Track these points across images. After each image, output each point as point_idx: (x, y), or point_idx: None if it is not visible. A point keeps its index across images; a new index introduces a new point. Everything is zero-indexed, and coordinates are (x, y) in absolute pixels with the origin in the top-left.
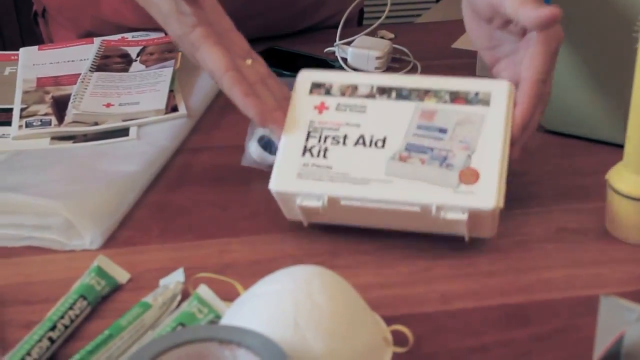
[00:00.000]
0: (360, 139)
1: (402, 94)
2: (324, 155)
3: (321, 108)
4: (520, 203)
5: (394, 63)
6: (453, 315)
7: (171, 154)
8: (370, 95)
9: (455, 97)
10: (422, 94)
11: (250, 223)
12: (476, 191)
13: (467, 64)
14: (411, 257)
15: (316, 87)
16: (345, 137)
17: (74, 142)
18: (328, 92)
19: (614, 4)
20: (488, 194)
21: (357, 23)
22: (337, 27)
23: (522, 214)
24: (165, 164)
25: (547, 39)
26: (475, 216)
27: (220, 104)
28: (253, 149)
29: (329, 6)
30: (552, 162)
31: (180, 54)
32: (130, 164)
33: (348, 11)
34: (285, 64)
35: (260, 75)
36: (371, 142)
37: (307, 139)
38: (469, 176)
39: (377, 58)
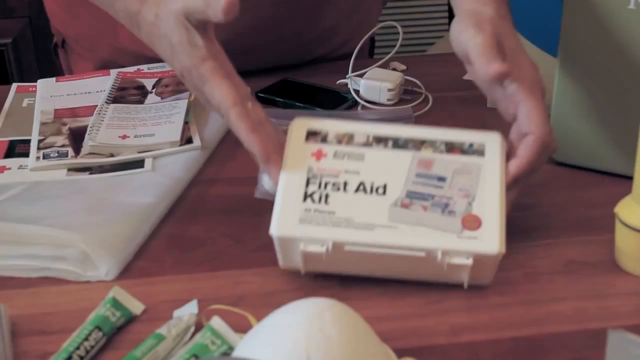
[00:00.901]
0: (361, 185)
1: (399, 143)
2: (326, 201)
3: (319, 155)
4: (529, 235)
5: (406, 95)
6: (463, 348)
7: (186, 186)
8: (367, 144)
9: (451, 148)
10: (419, 143)
11: (263, 255)
12: (479, 237)
13: (478, 95)
14: (421, 289)
15: (312, 134)
16: (345, 183)
17: (90, 174)
18: (324, 139)
19: (625, 37)
20: (491, 239)
21: (369, 53)
22: (348, 57)
23: (532, 247)
24: (180, 195)
25: (531, 89)
26: (479, 261)
27: (233, 136)
28: (266, 181)
29: (340, 35)
30: (562, 194)
31: None
32: (145, 196)
33: (361, 43)
34: (299, 95)
35: (259, 118)
36: (372, 189)
37: (307, 185)
38: (472, 222)
39: (389, 90)
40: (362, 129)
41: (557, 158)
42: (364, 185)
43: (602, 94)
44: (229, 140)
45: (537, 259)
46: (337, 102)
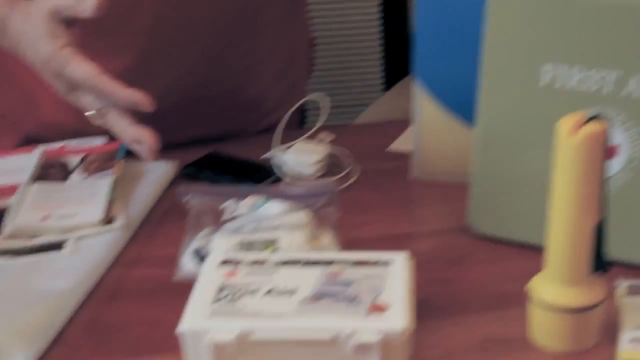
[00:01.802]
0: (271, 290)
1: (309, 263)
2: (235, 301)
3: (231, 274)
4: (446, 312)
5: (332, 167)
6: None
7: (107, 268)
8: (279, 265)
9: (359, 263)
10: (328, 262)
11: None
12: (386, 317)
13: (403, 166)
14: None
15: (226, 262)
16: (256, 290)
17: (8, 258)
18: (237, 264)
19: (536, 113)
20: (398, 317)
21: (300, 123)
22: (275, 128)
23: (449, 324)
24: (100, 278)
25: None
26: (387, 342)
27: (158, 214)
28: (188, 262)
29: (268, 103)
30: (480, 269)
31: (121, 161)
32: (64, 280)
33: (286, 116)
34: (225, 170)
35: None
36: (281, 292)
37: (218, 292)
38: (378, 308)
39: (315, 163)
40: (274, 257)
41: (477, 230)
42: (273, 290)
43: (519, 166)
44: (153, 219)
45: (453, 337)
46: (263, 176)
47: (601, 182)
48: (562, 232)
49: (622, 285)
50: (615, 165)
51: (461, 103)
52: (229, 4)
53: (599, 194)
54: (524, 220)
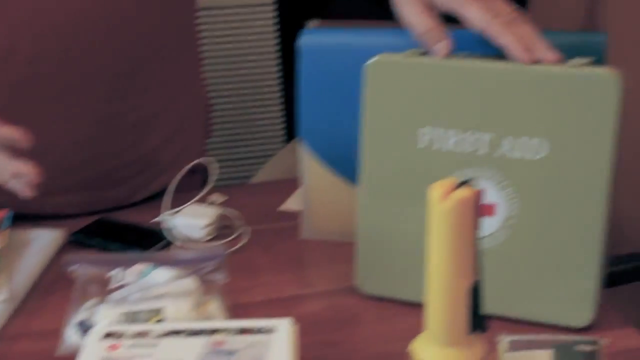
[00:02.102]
0: None
1: (192, 333)
2: None
3: (114, 347)
4: None
5: (222, 229)
6: None
7: None
8: (162, 336)
9: (243, 331)
10: (211, 331)
11: None
12: None
13: (293, 226)
14: None
15: (109, 335)
16: None
17: None
18: (120, 337)
19: (416, 173)
20: None
21: (201, 184)
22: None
23: None
24: None
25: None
26: None
27: (44, 285)
28: (72, 335)
29: (160, 163)
30: (369, 328)
31: (6, 231)
32: None
33: (176, 179)
34: (114, 236)
35: None
36: None
37: None
38: None
39: (205, 227)
40: (159, 328)
41: (363, 290)
42: None
43: (401, 225)
44: (38, 290)
45: None
46: (153, 241)
47: (474, 244)
48: (438, 293)
49: (504, 340)
50: (493, 223)
51: (346, 164)
52: (118, 59)
53: (473, 256)
54: (408, 279)
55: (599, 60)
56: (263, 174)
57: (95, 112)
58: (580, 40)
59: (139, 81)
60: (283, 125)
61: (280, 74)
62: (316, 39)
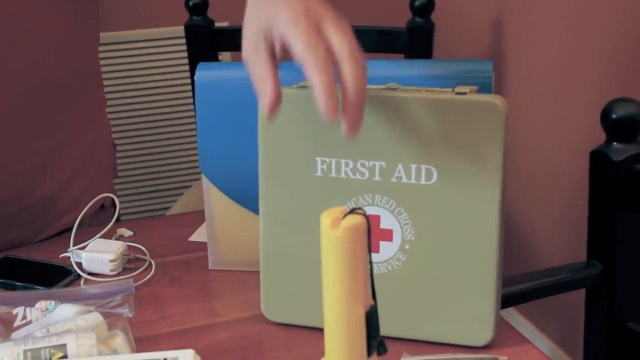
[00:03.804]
0: None
1: None
2: None
3: None
4: None
5: (130, 263)
6: None
7: None
8: None
9: None
10: None
11: None
12: None
13: (201, 257)
14: None
15: None
16: None
17: None
18: None
19: (314, 200)
20: None
21: (116, 220)
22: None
23: None
24: None
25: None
26: None
27: None
28: None
29: (62, 204)
30: (276, 355)
31: None
32: None
33: (80, 216)
34: (20, 274)
35: None
36: None
37: None
38: None
39: (111, 261)
40: None
41: (271, 318)
42: None
43: (301, 252)
44: None
45: None
46: (60, 277)
47: (367, 270)
48: (334, 319)
49: None
50: (390, 248)
51: (247, 194)
52: (3, 106)
53: (365, 281)
54: (312, 305)
55: (486, 88)
56: (178, 207)
57: None
58: (468, 69)
59: (29, 128)
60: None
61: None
62: (210, 73)
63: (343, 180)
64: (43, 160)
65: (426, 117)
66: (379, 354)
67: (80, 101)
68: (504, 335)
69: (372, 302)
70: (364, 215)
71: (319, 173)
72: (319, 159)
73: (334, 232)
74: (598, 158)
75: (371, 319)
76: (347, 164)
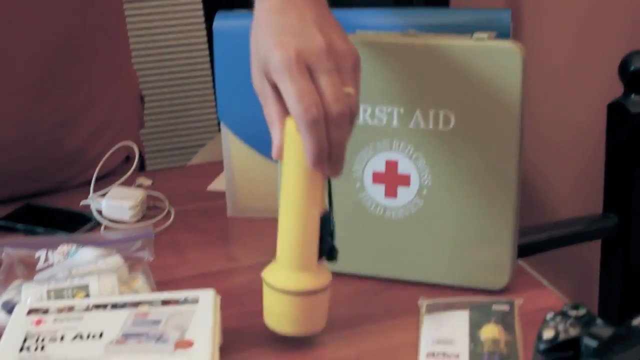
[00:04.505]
0: (78, 336)
1: (117, 306)
2: (42, 349)
3: (38, 322)
4: (258, 342)
5: (149, 210)
6: None
7: None
8: (87, 310)
9: (167, 302)
10: (136, 304)
11: None
12: (191, 353)
13: (220, 205)
14: None
15: (33, 311)
16: (62, 336)
17: None
18: (45, 312)
19: None
20: (203, 353)
21: (141, 167)
22: (103, 177)
23: (262, 353)
24: None
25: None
26: None
27: None
28: None
29: (88, 157)
30: None
31: None
32: None
33: (99, 165)
34: (41, 220)
35: None
36: (88, 336)
37: (23, 342)
38: (184, 344)
39: (131, 208)
40: (83, 302)
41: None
42: (80, 335)
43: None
44: None
45: None
46: (80, 223)
47: (324, 175)
48: (290, 221)
49: (423, 304)
50: (408, 193)
51: (266, 142)
52: (37, 59)
53: (322, 186)
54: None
55: (504, 35)
56: (196, 161)
57: (16, 115)
58: (486, 17)
59: (54, 85)
60: (215, 115)
61: (210, 63)
62: (229, 22)
63: (361, 126)
64: (67, 117)
65: (444, 63)
66: (330, 259)
67: (105, 56)
68: (520, 280)
69: (327, 208)
70: None
71: None
72: None
73: (297, 134)
74: (616, 110)
75: (325, 223)
76: (365, 110)
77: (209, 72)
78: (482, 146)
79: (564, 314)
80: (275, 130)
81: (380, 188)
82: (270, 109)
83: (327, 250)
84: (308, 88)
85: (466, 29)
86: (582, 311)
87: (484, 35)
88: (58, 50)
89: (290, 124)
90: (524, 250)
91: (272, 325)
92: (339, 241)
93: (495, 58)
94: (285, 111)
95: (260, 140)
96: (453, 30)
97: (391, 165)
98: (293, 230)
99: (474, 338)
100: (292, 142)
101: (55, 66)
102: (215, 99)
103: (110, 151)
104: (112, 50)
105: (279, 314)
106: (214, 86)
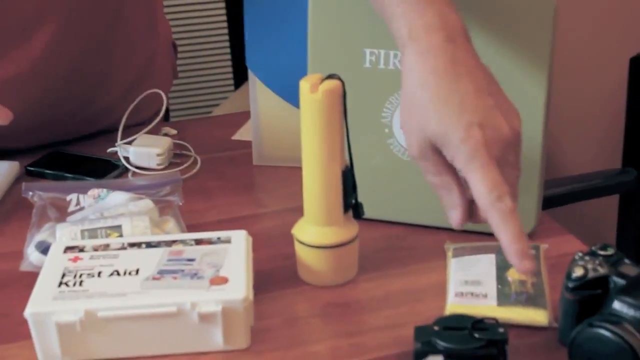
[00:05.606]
0: (115, 272)
1: (151, 245)
2: (80, 284)
3: (75, 259)
4: (287, 284)
5: (176, 159)
6: None
7: None
8: (122, 248)
9: (200, 242)
10: (170, 242)
11: None
12: (227, 288)
13: (245, 154)
14: None
15: (70, 248)
16: (100, 272)
17: None
18: (81, 250)
19: (362, 92)
20: (238, 288)
21: (165, 117)
22: (138, 126)
23: (290, 294)
24: None
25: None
26: (229, 311)
27: (2, 212)
28: (32, 254)
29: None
30: None
31: None
32: None
33: (127, 113)
34: (69, 167)
35: None
36: (125, 272)
37: (62, 277)
38: (219, 280)
39: (158, 155)
40: (117, 240)
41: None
42: (117, 272)
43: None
44: None
45: (296, 304)
46: (108, 170)
47: (343, 132)
48: (313, 179)
49: (450, 247)
50: None
51: (294, 90)
52: (69, 23)
53: (341, 142)
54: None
55: None
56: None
57: (62, 72)
58: None
59: (106, 35)
60: (232, 74)
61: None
62: None
63: (391, 72)
64: (109, 70)
65: (475, 6)
66: (356, 215)
67: (138, 10)
68: (543, 227)
69: (348, 163)
70: (340, 79)
71: (367, 65)
72: (367, 50)
73: (313, 95)
74: (638, 64)
75: (347, 177)
76: (395, 55)
77: (226, 30)
78: (511, 89)
79: (592, 254)
80: (457, 214)
81: None
82: (453, 195)
83: (352, 205)
84: (499, 180)
85: None
86: (610, 251)
87: None
88: (97, 12)
89: (303, 86)
90: (545, 203)
91: (306, 278)
92: (368, 187)
93: (528, 4)
94: (458, 178)
95: (287, 89)
96: None
97: None
98: (316, 187)
99: (501, 279)
100: (307, 101)
101: (100, 21)
102: (232, 57)
103: (139, 98)
104: (147, 4)
105: (310, 267)
106: (230, 46)
